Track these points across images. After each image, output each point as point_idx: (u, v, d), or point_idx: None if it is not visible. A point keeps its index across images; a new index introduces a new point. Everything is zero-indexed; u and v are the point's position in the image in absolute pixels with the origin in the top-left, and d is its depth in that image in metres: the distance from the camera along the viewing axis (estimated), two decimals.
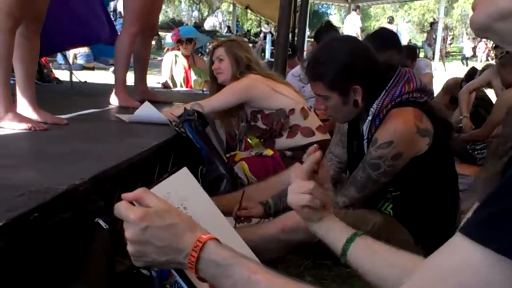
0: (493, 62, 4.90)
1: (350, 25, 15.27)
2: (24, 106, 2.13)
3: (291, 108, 2.58)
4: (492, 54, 12.52)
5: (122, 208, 0.76)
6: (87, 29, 4.01)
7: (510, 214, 0.50)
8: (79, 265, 1.20)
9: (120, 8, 11.01)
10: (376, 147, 1.65)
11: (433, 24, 17.44)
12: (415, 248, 1.58)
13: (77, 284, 1.22)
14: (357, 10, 16.20)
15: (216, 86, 2.78)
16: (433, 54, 15.60)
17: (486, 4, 0.63)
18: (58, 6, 3.11)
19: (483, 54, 17.74)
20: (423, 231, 1.67)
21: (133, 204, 0.78)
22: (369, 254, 0.96)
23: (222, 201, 2.07)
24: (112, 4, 10.86)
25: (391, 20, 17.37)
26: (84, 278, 1.21)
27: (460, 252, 0.53)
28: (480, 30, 0.65)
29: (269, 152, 2.56)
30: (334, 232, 1.03)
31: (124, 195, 0.80)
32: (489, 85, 4.33)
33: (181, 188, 0.90)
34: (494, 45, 9.40)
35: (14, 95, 2.10)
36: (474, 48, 20.51)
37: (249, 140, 2.97)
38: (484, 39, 17.52)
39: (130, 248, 0.76)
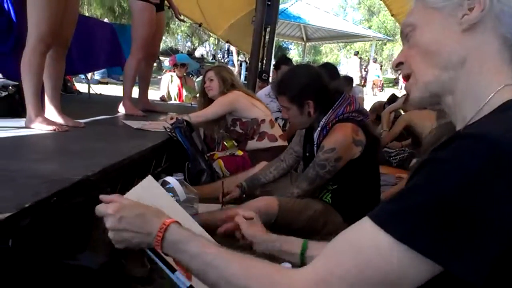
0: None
1: (353, 66, 15.73)
2: (51, 112, 2.09)
3: (263, 118, 2.60)
4: None
5: (101, 207, 0.78)
6: (104, 55, 3.94)
7: (403, 212, 0.51)
8: (88, 238, 1.18)
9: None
10: (323, 151, 1.66)
11: (360, 59, 17.77)
12: (343, 227, 1.60)
13: (86, 252, 1.20)
14: (357, 54, 16.62)
15: (206, 100, 2.76)
16: (365, 82, 15.86)
17: (414, 88, 0.67)
18: (81, 36, 3.05)
19: (404, 83, 18.06)
20: (353, 215, 1.66)
21: None
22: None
23: (204, 189, 2.07)
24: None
25: (356, 53, 17.56)
26: (91, 248, 1.19)
27: (370, 234, 0.53)
28: (418, 105, 0.69)
29: (239, 153, 2.58)
30: (287, 244, 0.99)
31: (101, 197, 0.80)
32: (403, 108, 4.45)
33: (147, 192, 0.89)
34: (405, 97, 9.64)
35: (43, 103, 2.05)
36: (396, 79, 20.93)
37: (225, 143, 2.97)
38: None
39: (110, 235, 0.76)
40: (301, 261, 0.93)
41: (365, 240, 0.54)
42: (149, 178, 0.96)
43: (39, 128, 1.89)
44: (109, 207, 0.76)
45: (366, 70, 16.43)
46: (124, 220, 0.74)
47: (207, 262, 0.66)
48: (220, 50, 11.52)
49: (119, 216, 0.74)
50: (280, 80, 1.83)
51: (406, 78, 0.69)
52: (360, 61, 17.06)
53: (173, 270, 0.75)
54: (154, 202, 0.82)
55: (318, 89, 1.72)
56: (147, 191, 0.90)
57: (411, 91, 0.68)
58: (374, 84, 15.52)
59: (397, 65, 0.70)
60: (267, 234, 1.03)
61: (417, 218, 0.49)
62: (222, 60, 16.82)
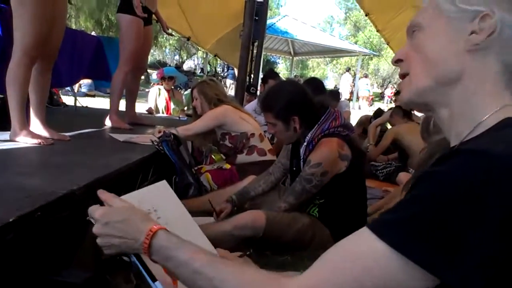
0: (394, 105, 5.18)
1: (345, 82, 15.87)
2: (36, 125, 2.07)
3: (252, 132, 2.60)
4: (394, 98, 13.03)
5: (90, 210, 0.76)
6: (89, 68, 3.94)
7: (401, 222, 0.52)
8: (73, 253, 1.16)
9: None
10: (309, 166, 1.67)
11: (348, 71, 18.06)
12: (332, 242, 1.61)
13: (71, 268, 1.18)
14: (350, 70, 16.71)
15: (196, 116, 2.77)
16: (351, 96, 16.07)
17: (407, 89, 0.67)
18: (67, 49, 3.05)
19: (389, 98, 18.35)
20: (339, 228, 1.68)
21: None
22: None
23: (192, 203, 2.06)
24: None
25: (348, 69, 17.78)
26: (76, 263, 1.17)
27: (367, 242, 0.54)
28: (406, 105, 0.70)
29: (227, 166, 2.57)
30: None
31: (99, 192, 0.80)
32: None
33: (156, 195, 0.88)
34: (396, 92, 9.78)
35: (28, 116, 2.03)
36: (381, 93, 21.25)
37: (213, 156, 2.97)
38: (390, 86, 18.24)
39: (98, 240, 0.75)
40: None
41: (362, 249, 0.54)
42: (163, 183, 0.94)
43: (24, 141, 1.87)
44: (95, 211, 0.75)
45: (353, 84, 16.66)
46: (109, 225, 0.73)
47: (195, 269, 0.64)
48: (220, 64, 11.54)
49: (104, 221, 0.73)
50: (265, 97, 1.84)
51: (403, 76, 0.69)
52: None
53: (153, 280, 0.74)
54: (158, 208, 0.81)
55: (303, 105, 1.74)
56: (157, 194, 0.88)
57: (403, 90, 0.69)
58: (364, 98, 15.73)
59: (396, 61, 0.71)
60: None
61: (413, 228, 0.50)
62: (222, 74, 16.85)
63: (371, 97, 15.78)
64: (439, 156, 0.55)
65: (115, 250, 0.74)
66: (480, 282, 0.48)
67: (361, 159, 1.80)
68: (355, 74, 16.59)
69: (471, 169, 0.50)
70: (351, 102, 14.65)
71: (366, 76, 17.81)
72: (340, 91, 15.51)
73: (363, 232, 0.55)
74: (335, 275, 0.55)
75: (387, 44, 7.90)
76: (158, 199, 0.86)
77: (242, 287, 0.61)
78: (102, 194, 0.79)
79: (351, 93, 16.08)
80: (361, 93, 16.15)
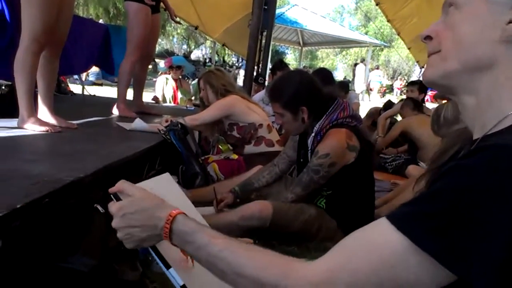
0: (405, 96, 5.12)
1: (360, 73, 15.67)
2: (43, 112, 2.08)
3: (260, 123, 2.58)
4: (405, 90, 12.94)
5: (109, 206, 0.77)
6: (95, 58, 3.94)
7: (423, 216, 0.51)
8: (79, 241, 1.17)
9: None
10: (317, 157, 1.66)
11: (356, 65, 17.95)
12: (339, 234, 1.61)
13: (77, 255, 1.19)
14: (363, 61, 16.41)
15: (204, 107, 2.77)
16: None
17: (432, 68, 0.65)
18: (75, 37, 3.05)
19: (398, 90, 18.19)
20: (346, 220, 1.68)
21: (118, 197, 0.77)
22: None
23: (198, 193, 2.07)
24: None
25: (362, 60, 17.60)
26: (83, 250, 1.18)
27: (385, 233, 0.53)
28: (428, 84, 0.67)
29: (234, 156, 2.57)
30: None
31: (110, 190, 0.79)
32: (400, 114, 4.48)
33: (160, 187, 0.88)
34: (406, 83, 9.67)
35: (36, 104, 2.04)
36: (391, 85, 21.06)
37: (220, 146, 2.97)
38: (399, 78, 18.07)
39: (118, 234, 0.75)
40: None
41: (380, 240, 0.54)
42: (166, 175, 0.96)
43: (31, 128, 1.89)
44: (112, 206, 0.76)
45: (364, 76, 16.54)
46: (127, 217, 0.74)
47: (214, 253, 0.66)
48: (234, 54, 11.44)
49: (121, 213, 0.74)
50: (273, 87, 1.83)
51: (430, 55, 0.66)
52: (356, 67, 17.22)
53: (168, 267, 0.76)
54: (165, 198, 0.82)
55: (312, 96, 1.73)
56: (161, 185, 0.89)
57: (428, 68, 0.66)
58: (375, 90, 15.62)
59: (425, 38, 0.67)
60: None
61: (434, 222, 0.49)
62: (237, 64, 16.81)
63: (383, 89, 15.66)
64: (467, 151, 0.54)
65: (136, 242, 0.75)
66: (494, 277, 0.47)
67: (369, 151, 1.79)
68: (365, 66, 16.44)
69: (501, 164, 0.48)
70: (361, 94, 14.56)
71: (377, 67, 17.67)
72: (355, 82, 15.56)
73: (382, 223, 0.55)
74: (350, 262, 0.55)
75: (398, 35, 7.79)
76: (162, 191, 0.87)
77: (259, 269, 0.61)
78: (112, 188, 0.79)
79: (385, 89, 15.84)
80: (373, 85, 16.02)
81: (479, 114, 0.61)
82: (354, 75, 16.70)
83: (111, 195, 0.78)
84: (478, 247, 0.47)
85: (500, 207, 0.46)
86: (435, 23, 0.66)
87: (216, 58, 18.61)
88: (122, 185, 0.78)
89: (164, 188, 0.90)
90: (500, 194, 0.47)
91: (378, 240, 0.54)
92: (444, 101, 2.37)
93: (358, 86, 15.41)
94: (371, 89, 15.95)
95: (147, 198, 0.76)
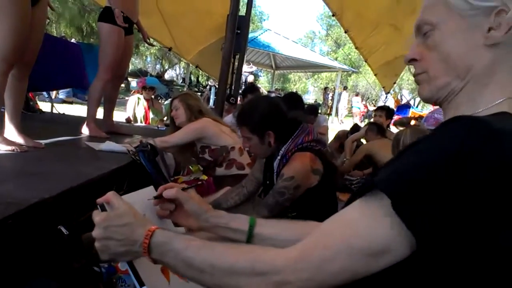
0: (372, 120, 5.31)
1: (344, 100, 16.52)
2: (10, 131, 2.04)
3: (232, 146, 2.59)
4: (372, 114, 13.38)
5: (93, 214, 0.77)
6: (67, 76, 3.91)
7: (400, 175, 0.54)
8: (42, 263, 1.15)
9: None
10: (282, 179, 1.69)
11: (326, 88, 18.64)
12: None
13: (41, 277, 1.17)
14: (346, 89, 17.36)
15: (174, 127, 2.75)
16: (330, 111, 16.46)
17: (426, 87, 0.70)
18: (45, 55, 3.02)
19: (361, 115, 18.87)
20: None
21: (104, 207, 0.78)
22: (273, 223, 0.91)
23: None
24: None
25: (345, 88, 18.40)
26: (45, 272, 1.16)
27: (356, 206, 0.58)
28: (425, 100, 0.72)
29: (204, 177, 2.58)
30: (235, 221, 0.89)
31: (97, 200, 0.79)
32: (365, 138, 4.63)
33: (144, 200, 0.89)
34: (374, 108, 9.99)
35: (2, 122, 2.00)
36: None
37: (190, 167, 2.98)
38: (363, 103, 18.69)
39: (96, 244, 0.75)
40: (249, 239, 0.87)
41: (353, 213, 0.58)
42: (150, 188, 0.96)
43: None
44: (97, 216, 0.76)
45: (332, 99, 17.03)
46: (110, 229, 0.74)
47: (192, 253, 0.67)
48: (206, 75, 11.41)
49: (105, 225, 0.74)
50: (241, 112, 1.87)
51: (418, 74, 0.71)
52: (326, 91, 17.82)
53: (141, 284, 0.77)
54: (147, 210, 0.83)
55: (278, 120, 1.78)
56: (144, 198, 0.90)
57: (422, 87, 0.70)
58: (356, 114, 16.20)
59: (410, 61, 0.71)
60: (213, 210, 0.92)
61: (406, 186, 0.52)
62: (210, 85, 16.92)
63: (362, 114, 16.24)
64: (441, 124, 0.58)
65: (111, 254, 0.75)
66: (434, 228, 0.51)
67: (333, 174, 1.84)
68: (334, 89, 16.96)
69: (469, 133, 0.52)
70: (330, 116, 14.93)
71: (357, 94, 18.36)
72: (338, 107, 16.15)
73: (354, 202, 0.59)
74: (324, 237, 0.58)
75: (365, 61, 8.11)
76: (146, 203, 0.88)
77: (236, 256, 0.63)
78: (100, 198, 0.79)
79: (364, 113, 16.44)
80: (354, 110, 16.64)
81: (455, 110, 0.67)
82: (324, 99, 17.22)
83: (97, 205, 0.78)
84: (434, 211, 0.51)
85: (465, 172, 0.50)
86: (415, 46, 0.71)
87: (193, 78, 18.65)
88: (110, 196, 0.78)
89: (147, 201, 0.91)
90: (465, 160, 0.50)
91: (351, 215, 0.58)
92: (402, 128, 2.49)
93: (341, 111, 16.41)
94: (355, 114, 16.58)
95: (131, 213, 0.77)
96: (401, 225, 0.52)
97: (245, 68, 11.19)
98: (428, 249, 0.53)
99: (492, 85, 0.64)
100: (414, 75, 0.72)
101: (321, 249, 0.57)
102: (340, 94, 16.83)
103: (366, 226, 0.56)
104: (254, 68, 12.35)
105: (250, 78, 10.88)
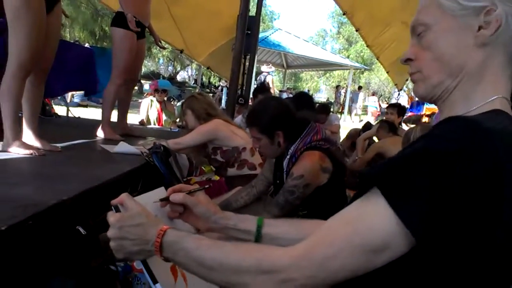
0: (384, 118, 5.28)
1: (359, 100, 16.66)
2: (28, 136, 2.10)
3: (244, 147, 2.59)
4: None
5: (108, 215, 0.80)
6: (79, 80, 3.99)
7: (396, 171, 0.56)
8: (61, 262, 1.20)
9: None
10: (292, 178, 1.71)
11: (338, 87, 18.57)
12: None
13: (58, 277, 1.22)
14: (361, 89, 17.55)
15: (188, 129, 2.77)
16: (343, 109, 16.37)
17: (422, 85, 0.71)
18: (60, 61, 3.10)
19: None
20: None
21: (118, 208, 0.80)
22: (281, 223, 0.92)
23: None
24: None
25: (360, 88, 18.46)
26: (65, 272, 1.21)
27: (357, 204, 0.60)
28: (421, 98, 0.74)
29: (216, 177, 2.61)
30: (243, 222, 0.91)
31: (111, 202, 0.82)
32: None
33: (156, 200, 0.92)
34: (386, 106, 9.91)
35: (20, 127, 2.07)
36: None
37: (203, 168, 3.02)
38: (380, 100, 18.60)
39: (111, 243, 0.78)
40: (257, 239, 0.89)
41: (355, 212, 0.60)
42: (161, 189, 0.99)
43: (16, 152, 1.91)
44: (111, 216, 0.79)
45: (345, 97, 16.92)
46: (124, 229, 0.77)
47: (203, 252, 0.69)
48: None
49: (119, 225, 0.77)
50: (250, 112, 1.89)
51: (413, 74, 0.73)
52: (338, 89, 17.76)
53: (155, 282, 0.80)
54: (159, 211, 0.86)
55: (287, 120, 1.80)
56: (156, 199, 0.92)
57: (418, 85, 0.72)
58: (372, 114, 16.17)
59: (406, 61, 0.73)
60: (221, 211, 0.93)
61: (407, 187, 0.54)
62: (222, 85, 17.05)
63: (377, 113, 16.21)
64: (435, 124, 0.61)
65: (126, 253, 0.78)
66: (429, 224, 0.52)
67: (342, 172, 1.86)
68: (347, 87, 16.84)
69: (463, 133, 0.54)
70: (342, 115, 14.85)
71: (373, 94, 18.33)
72: (355, 107, 16.18)
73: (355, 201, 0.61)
74: (328, 235, 0.60)
75: (377, 59, 8.06)
76: (157, 204, 0.91)
77: (242, 255, 0.65)
78: (114, 200, 0.82)
79: (379, 113, 16.41)
80: (370, 109, 16.59)
81: (450, 108, 0.69)
82: (336, 97, 17.15)
83: (112, 206, 0.81)
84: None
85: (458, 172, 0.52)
86: (411, 46, 0.73)
87: (204, 79, 18.75)
88: (123, 198, 0.81)
89: (155, 201, 0.94)
90: (457, 162, 0.52)
91: (352, 212, 0.60)
92: (413, 125, 2.49)
93: (355, 110, 16.57)
94: (371, 113, 16.55)
95: (143, 214, 0.79)
96: (398, 221, 0.54)
97: (264, 68, 11.23)
98: (426, 245, 0.54)
99: (485, 83, 0.66)
100: (410, 74, 0.73)
101: (323, 247, 0.59)
102: (356, 94, 16.77)
103: (365, 223, 0.57)
104: (273, 69, 12.32)
105: (269, 79, 10.91)
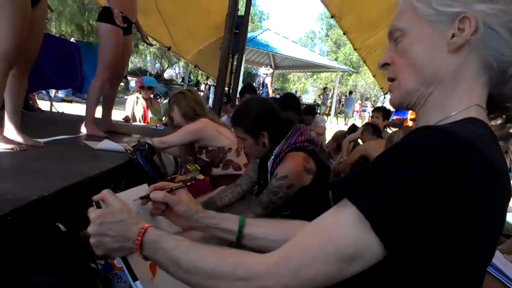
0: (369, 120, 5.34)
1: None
2: (10, 130, 2.07)
3: (229, 147, 2.59)
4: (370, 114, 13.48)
5: (88, 211, 0.79)
6: (65, 76, 3.93)
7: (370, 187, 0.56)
8: (41, 258, 1.18)
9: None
10: (276, 179, 1.72)
11: (325, 89, 18.80)
12: None
13: (38, 272, 1.21)
14: (352, 94, 18.16)
15: (173, 127, 2.75)
16: (329, 111, 16.55)
17: (397, 92, 0.72)
18: (44, 55, 3.05)
19: (357, 113, 18.93)
20: None
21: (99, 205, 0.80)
22: (263, 223, 0.92)
23: None
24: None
25: (350, 93, 18.81)
26: (44, 268, 1.20)
27: (332, 212, 0.60)
28: (395, 106, 0.74)
29: (201, 176, 2.61)
30: (225, 222, 0.91)
31: (93, 197, 0.81)
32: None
33: (139, 196, 0.91)
34: (372, 109, 10.03)
35: (2, 121, 2.04)
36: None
37: (188, 166, 3.01)
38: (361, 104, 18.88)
39: (91, 239, 0.77)
40: (238, 239, 0.89)
41: (330, 219, 0.60)
42: (145, 186, 0.98)
43: None
44: (92, 212, 0.78)
45: (331, 100, 17.09)
46: (104, 226, 0.76)
47: (180, 253, 0.68)
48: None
49: (100, 221, 0.76)
50: (235, 112, 1.90)
51: (391, 80, 0.73)
52: (325, 91, 17.96)
53: (135, 279, 0.79)
54: (142, 209, 0.86)
55: (272, 120, 1.81)
56: (136, 196, 0.91)
57: (393, 94, 0.72)
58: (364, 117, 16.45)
59: (383, 66, 0.73)
60: (203, 210, 0.93)
61: (380, 195, 0.54)
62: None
63: (369, 117, 16.48)
64: (408, 132, 0.61)
65: (106, 250, 0.77)
66: (410, 245, 0.53)
67: (325, 173, 1.88)
68: (333, 89, 17.01)
69: (435, 142, 0.54)
70: (328, 117, 14.97)
71: (367, 99, 18.60)
72: (347, 112, 16.46)
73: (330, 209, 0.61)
74: (304, 243, 0.60)
75: (364, 63, 8.14)
76: (139, 201, 0.91)
77: (218, 260, 0.65)
78: (96, 195, 0.81)
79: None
80: (364, 114, 16.89)
81: (425, 115, 0.69)
82: (322, 99, 17.32)
83: (93, 202, 0.80)
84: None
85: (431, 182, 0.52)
86: (387, 51, 0.73)
87: (192, 77, 18.65)
88: (105, 194, 0.80)
89: (139, 199, 0.93)
90: (432, 171, 0.53)
91: (327, 220, 0.60)
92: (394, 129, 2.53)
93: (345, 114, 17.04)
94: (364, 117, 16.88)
95: (125, 211, 0.78)
96: (371, 232, 0.55)
97: (263, 70, 11.24)
98: (400, 256, 0.55)
99: (459, 90, 0.66)
100: (388, 80, 0.74)
101: (298, 255, 0.59)
102: (350, 99, 17.05)
103: (339, 231, 0.57)
104: (271, 70, 12.39)
105: (267, 80, 10.94)
